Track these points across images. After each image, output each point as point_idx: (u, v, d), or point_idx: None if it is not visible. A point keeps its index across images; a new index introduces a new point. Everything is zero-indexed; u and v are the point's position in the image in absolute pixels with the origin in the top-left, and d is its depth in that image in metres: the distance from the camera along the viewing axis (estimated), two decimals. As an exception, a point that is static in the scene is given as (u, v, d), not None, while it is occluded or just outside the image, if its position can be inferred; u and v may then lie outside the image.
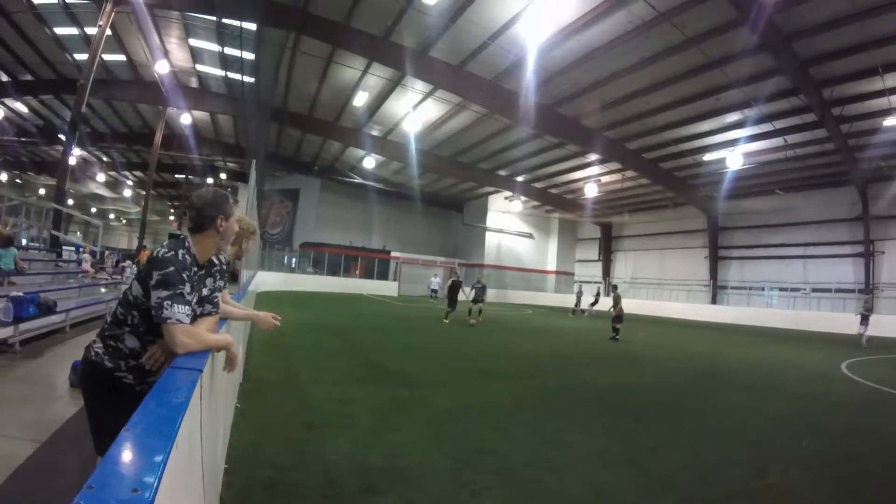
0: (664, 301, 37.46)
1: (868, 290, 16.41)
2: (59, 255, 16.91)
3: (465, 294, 20.23)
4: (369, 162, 34.43)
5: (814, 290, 31.79)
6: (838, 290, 30.43)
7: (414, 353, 10.93)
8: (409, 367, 9.01)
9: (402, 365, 9.22)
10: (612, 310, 17.64)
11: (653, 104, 22.56)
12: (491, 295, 43.30)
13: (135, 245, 34.71)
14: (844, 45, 16.83)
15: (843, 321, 26.48)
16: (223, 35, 21.20)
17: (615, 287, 19.15)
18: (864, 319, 17.48)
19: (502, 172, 36.68)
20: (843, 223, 30.57)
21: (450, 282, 19.87)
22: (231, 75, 24.94)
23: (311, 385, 7.12)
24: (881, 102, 20.20)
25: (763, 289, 34.32)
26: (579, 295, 32.25)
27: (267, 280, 28.04)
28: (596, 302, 32.44)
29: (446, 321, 18.82)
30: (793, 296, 32.80)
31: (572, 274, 48.33)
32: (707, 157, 27.96)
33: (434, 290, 39.04)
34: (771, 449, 5.54)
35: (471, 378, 8.52)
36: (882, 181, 27.80)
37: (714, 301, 35.70)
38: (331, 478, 3.93)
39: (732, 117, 23.16)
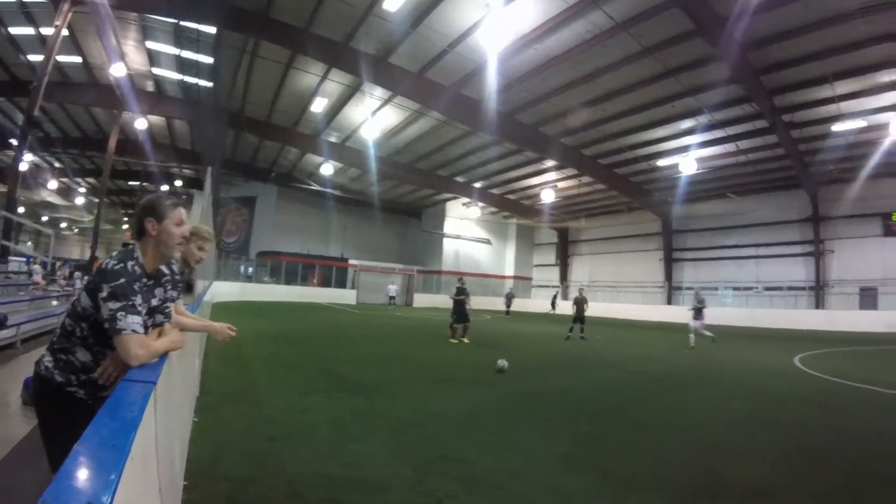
0: (621, 303, 38.22)
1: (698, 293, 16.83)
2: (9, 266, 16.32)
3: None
4: (327, 168, 34.22)
5: (766, 289, 33.09)
6: (790, 288, 31.77)
7: (374, 362, 10.83)
8: (370, 376, 8.92)
9: (363, 374, 9.13)
10: (576, 310, 18.53)
11: (609, 111, 23.08)
12: (448, 301, 43.62)
13: (87, 255, 33.71)
14: (796, 54, 17.60)
15: (796, 318, 28.30)
16: (181, 38, 20.81)
17: (581, 290, 19.57)
18: (698, 313, 16.92)
19: (460, 179, 36.97)
20: (794, 224, 31.97)
21: (455, 290, 16.82)
22: (188, 79, 24.49)
23: (270, 396, 7.00)
24: (830, 109, 21.15)
25: (717, 289, 35.30)
26: (510, 297, 35.31)
27: (223, 290, 27.48)
28: (554, 305, 33.13)
29: (464, 340, 15.71)
30: (746, 295, 33.98)
31: (530, 279, 49.15)
32: (661, 162, 28.74)
33: (392, 297, 39.22)
34: (729, 446, 5.67)
35: (431, 385, 8.49)
36: (831, 184, 29.22)
37: (669, 302, 36.64)
38: (293, 490, 3.87)
39: (686, 124, 23.89)
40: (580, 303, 18.60)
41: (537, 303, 44.65)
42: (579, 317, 18.46)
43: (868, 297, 28.62)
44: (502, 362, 9.69)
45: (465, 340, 15.63)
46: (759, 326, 28.63)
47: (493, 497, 3.97)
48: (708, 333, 16.87)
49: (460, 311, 16.30)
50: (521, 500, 3.95)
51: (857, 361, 13.79)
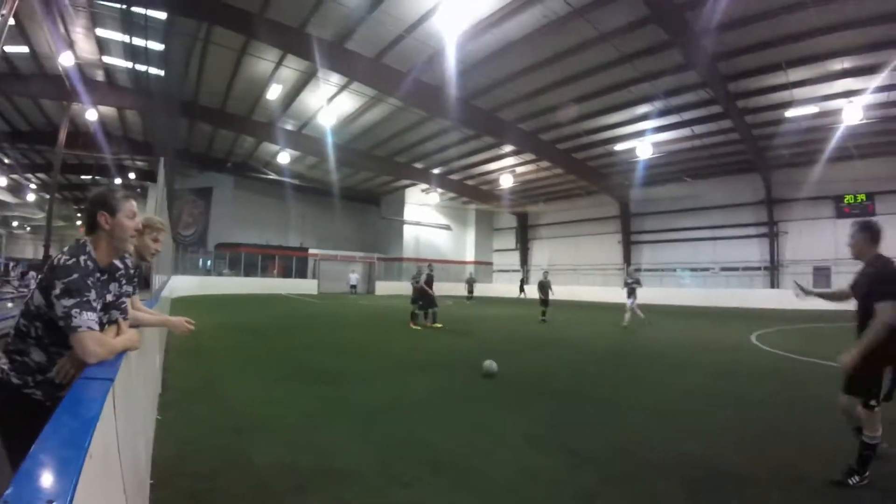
0: (581, 286, 38.88)
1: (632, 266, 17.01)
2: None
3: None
4: (284, 157, 33.75)
5: (723, 270, 34.20)
6: (746, 269, 33.00)
7: (337, 351, 10.83)
8: (333, 365, 8.93)
9: (326, 363, 9.14)
10: (540, 293, 19.05)
11: (566, 96, 23.24)
12: (410, 288, 43.81)
13: (41, 254, 32.58)
14: (751, 42, 17.99)
15: (752, 297, 29.53)
16: (131, 24, 20.10)
17: (546, 274, 19.91)
18: (632, 292, 16.87)
19: (419, 165, 36.90)
20: (749, 207, 33.06)
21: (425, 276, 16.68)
22: (139, 67, 23.73)
23: (234, 389, 6.94)
24: (784, 95, 21.78)
25: (675, 270, 36.40)
26: (471, 282, 36.35)
27: (182, 284, 26.91)
28: (522, 289, 33.64)
29: (437, 325, 16.20)
30: (703, 275, 35.09)
31: (491, 263, 49.50)
32: (619, 147, 29.20)
33: (353, 286, 39.10)
34: (685, 420, 5.87)
35: (395, 372, 8.55)
36: (784, 168, 30.37)
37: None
38: (260, 481, 3.87)
39: (643, 109, 24.29)
40: (544, 286, 19.01)
41: (499, 287, 45.30)
42: (544, 300, 18.89)
43: (822, 277, 29.75)
44: (490, 364, 8.08)
45: (438, 325, 16.07)
46: (717, 306, 29.51)
47: (460, 478, 4.04)
48: (640, 314, 17.09)
49: (426, 297, 16.49)
50: (486, 479, 4.03)
51: (811, 338, 14.29)
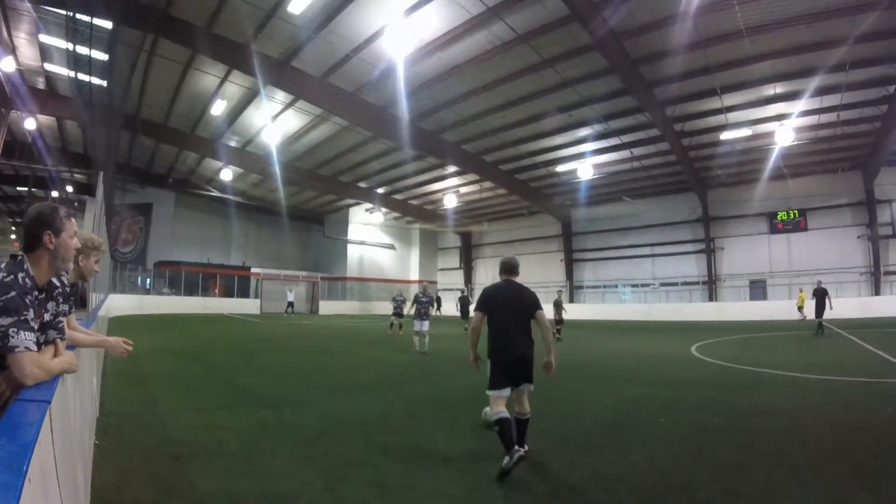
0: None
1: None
2: None
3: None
4: (227, 174, 33.25)
5: (662, 285, 35.50)
6: (685, 284, 34.31)
7: (279, 374, 10.67)
8: (275, 388, 8.81)
9: (267, 386, 9.00)
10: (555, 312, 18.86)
11: (509, 119, 23.80)
12: (354, 307, 43.71)
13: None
14: (687, 69, 18.78)
15: (691, 310, 30.67)
16: (76, 32, 19.39)
17: (560, 293, 20.69)
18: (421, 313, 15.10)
19: (363, 184, 36.91)
20: (686, 225, 34.53)
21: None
22: (82, 77, 22.90)
23: (174, 415, 6.74)
24: (719, 119, 23.01)
25: (616, 286, 37.44)
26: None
27: (119, 304, 25.95)
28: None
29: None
30: (643, 291, 36.31)
31: (435, 283, 49.42)
32: (560, 168, 30.02)
33: (290, 303, 38.22)
34: (631, 431, 6.06)
35: (337, 393, 8.48)
36: (720, 187, 32.05)
37: (571, 300, 37.84)
38: (203, 509, 3.77)
39: (583, 132, 25.11)
40: (558, 305, 18.92)
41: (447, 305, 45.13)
42: (559, 319, 18.61)
43: (758, 289, 31.39)
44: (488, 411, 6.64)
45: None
46: (657, 320, 30.36)
47: (406, 497, 4.04)
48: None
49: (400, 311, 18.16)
50: (432, 497, 4.05)
51: (748, 347, 14.96)
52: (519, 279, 5.31)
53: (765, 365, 10.89)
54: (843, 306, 25.41)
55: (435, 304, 15.24)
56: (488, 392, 4.90)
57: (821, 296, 17.90)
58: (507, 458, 4.33)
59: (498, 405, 4.74)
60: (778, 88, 20.30)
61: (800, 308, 25.11)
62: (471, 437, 5.80)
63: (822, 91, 19.74)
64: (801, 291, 25.95)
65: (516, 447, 4.45)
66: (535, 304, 5.15)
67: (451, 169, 31.59)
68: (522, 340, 4.96)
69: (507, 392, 4.83)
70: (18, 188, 41.53)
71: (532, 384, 4.97)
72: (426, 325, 14.44)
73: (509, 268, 5.32)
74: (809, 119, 22.54)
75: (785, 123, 22.12)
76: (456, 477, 4.50)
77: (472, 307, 19.06)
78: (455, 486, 4.27)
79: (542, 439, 5.65)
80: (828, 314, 18.06)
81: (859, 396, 7.79)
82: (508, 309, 5.05)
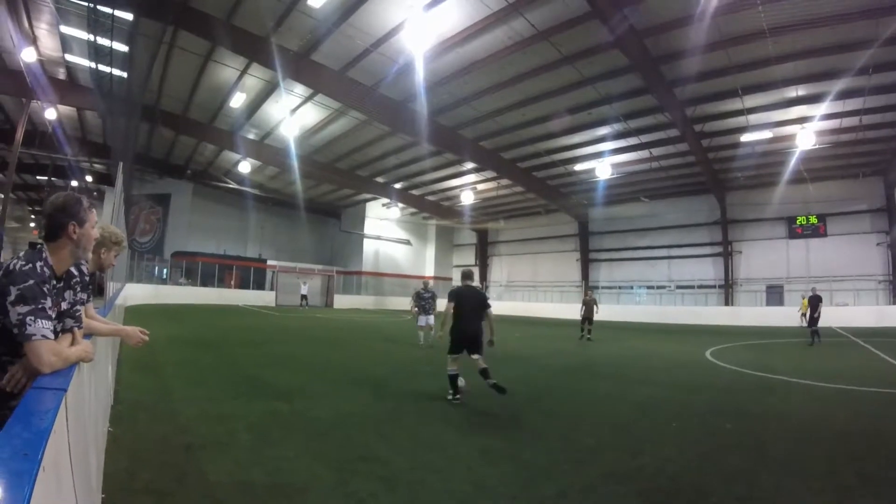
0: (538, 302, 39.39)
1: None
2: None
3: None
4: (244, 166, 33.42)
5: (678, 287, 35.07)
6: (701, 287, 33.85)
7: (291, 365, 10.66)
8: (287, 380, 8.81)
9: (280, 378, 8.99)
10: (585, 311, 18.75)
11: (528, 116, 23.66)
12: (368, 302, 43.85)
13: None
14: (708, 69, 18.56)
15: (706, 314, 30.18)
16: (96, 24, 19.59)
17: (592, 291, 20.70)
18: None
19: (380, 179, 36.88)
20: (704, 227, 34.09)
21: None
22: (102, 68, 23.14)
23: (187, 404, 6.76)
24: (740, 120, 22.65)
25: (632, 287, 37.16)
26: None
27: (136, 293, 26.26)
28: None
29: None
30: (659, 293, 35.95)
31: (450, 279, 49.28)
32: (578, 167, 29.80)
33: (304, 296, 38.45)
34: (642, 432, 6.01)
35: (348, 387, 8.46)
36: (739, 189, 31.62)
37: (586, 300, 37.81)
38: (214, 499, 3.80)
39: (602, 131, 24.85)
40: (590, 304, 18.74)
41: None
42: (588, 317, 18.53)
43: (774, 294, 30.89)
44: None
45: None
46: (672, 322, 30.08)
47: (414, 492, 4.05)
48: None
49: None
50: (441, 494, 4.04)
51: (763, 353, 14.80)
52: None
53: (779, 371, 10.80)
54: (860, 315, 25.15)
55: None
56: (448, 354, 7.51)
57: (814, 303, 17.70)
58: (450, 393, 7.36)
59: (452, 365, 7.44)
60: (800, 91, 19.99)
61: (803, 315, 24.83)
62: (480, 433, 5.81)
63: (844, 94, 19.39)
64: (803, 298, 25.65)
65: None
66: (485, 302, 7.71)
67: (469, 165, 31.51)
68: (474, 324, 7.50)
69: (458, 356, 7.42)
70: (38, 177, 42.02)
71: (481, 356, 7.42)
72: (431, 320, 14.89)
73: (468, 275, 8.14)
74: (831, 123, 22.14)
75: (806, 126, 21.79)
76: (464, 474, 4.49)
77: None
78: (464, 483, 4.26)
79: (551, 438, 5.66)
80: (828, 321, 17.80)
81: (872, 406, 7.69)
82: (468, 303, 7.54)
